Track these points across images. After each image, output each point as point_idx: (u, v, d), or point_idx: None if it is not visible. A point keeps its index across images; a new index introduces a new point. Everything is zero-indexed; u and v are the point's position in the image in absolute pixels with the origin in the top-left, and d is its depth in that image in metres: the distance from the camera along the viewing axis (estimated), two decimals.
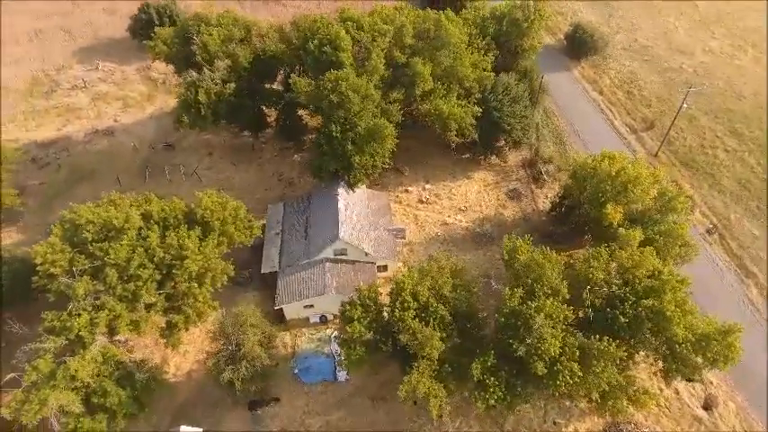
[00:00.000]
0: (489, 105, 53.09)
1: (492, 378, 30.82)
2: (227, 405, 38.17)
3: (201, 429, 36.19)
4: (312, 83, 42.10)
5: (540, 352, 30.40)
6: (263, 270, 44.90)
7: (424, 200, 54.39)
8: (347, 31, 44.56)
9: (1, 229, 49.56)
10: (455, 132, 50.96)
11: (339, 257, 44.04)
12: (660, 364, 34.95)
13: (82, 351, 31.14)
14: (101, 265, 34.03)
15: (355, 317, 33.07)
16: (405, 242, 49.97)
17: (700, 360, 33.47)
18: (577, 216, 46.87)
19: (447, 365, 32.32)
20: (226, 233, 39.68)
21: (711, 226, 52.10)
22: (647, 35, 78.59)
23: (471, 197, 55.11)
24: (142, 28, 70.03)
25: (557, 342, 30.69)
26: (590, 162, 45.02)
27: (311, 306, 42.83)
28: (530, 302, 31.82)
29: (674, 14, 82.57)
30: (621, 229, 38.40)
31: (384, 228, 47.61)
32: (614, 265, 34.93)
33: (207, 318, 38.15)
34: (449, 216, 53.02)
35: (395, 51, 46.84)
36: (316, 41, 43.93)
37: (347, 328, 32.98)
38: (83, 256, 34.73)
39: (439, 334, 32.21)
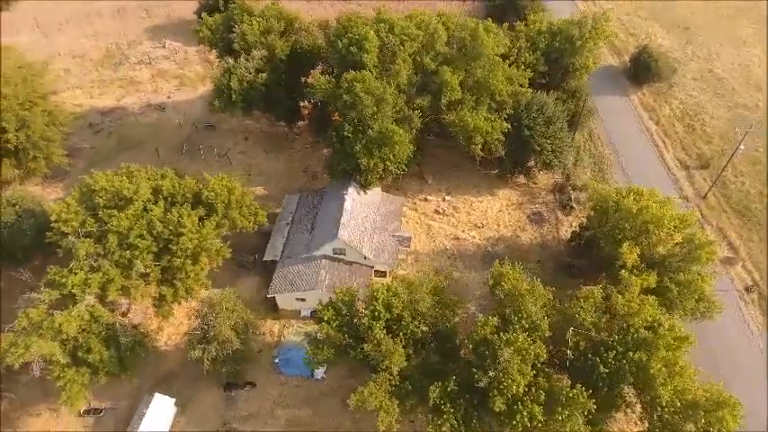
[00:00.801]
0: (521, 123, 51.02)
1: (449, 404, 29.69)
2: (205, 382, 39.52)
3: (174, 400, 37.76)
4: (332, 81, 42.42)
5: (502, 387, 28.90)
6: (266, 257, 46.00)
7: (440, 211, 53.30)
8: (377, 33, 44.41)
9: (42, 184, 54.06)
10: (480, 146, 49.46)
11: (337, 256, 44.22)
12: (645, 424, 32.12)
13: (71, 307, 33.45)
14: (105, 231, 36.32)
15: (326, 318, 33.08)
16: (411, 251, 49.26)
17: (691, 428, 30.42)
18: (596, 251, 44.01)
19: (408, 383, 31.54)
20: (228, 217, 41.00)
21: (751, 284, 47.03)
22: (725, 66, 72.05)
23: (491, 215, 53.29)
24: (206, 11, 73.67)
25: (522, 380, 29.03)
26: (614, 195, 42.04)
27: (303, 300, 43.36)
28: (502, 333, 30.30)
29: (760, 47, 75.02)
30: (624, 271, 35.54)
31: (390, 233, 47.20)
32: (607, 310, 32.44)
33: (197, 294, 39.66)
34: (462, 231, 51.62)
35: (425, 57, 46.12)
36: (345, 40, 44.20)
37: (318, 327, 33.08)
38: (92, 220, 37.28)
39: (403, 350, 31.51)
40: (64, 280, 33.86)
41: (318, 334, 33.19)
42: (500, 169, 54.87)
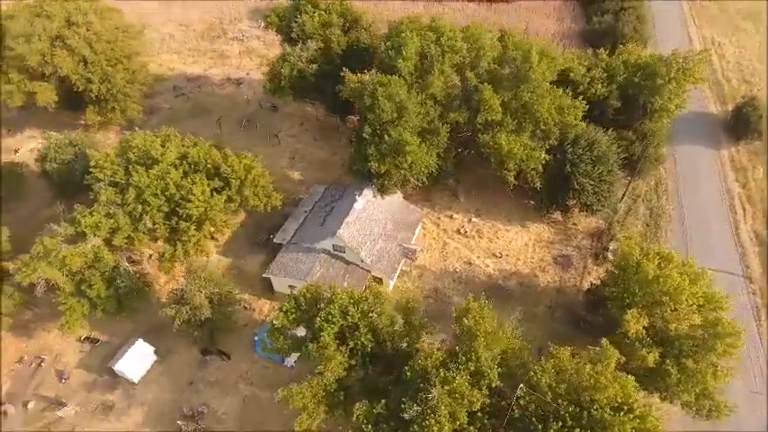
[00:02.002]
0: (565, 156, 47.40)
1: (371, 427, 28.89)
2: (187, 342, 42.07)
3: (154, 349, 40.81)
4: (361, 80, 42.56)
5: (425, 424, 27.47)
6: (276, 240, 47.64)
7: (462, 231, 51.37)
8: (423, 41, 43.65)
9: (117, 134, 60.46)
10: (513, 173, 46.85)
11: (337, 253, 44.61)
12: None
13: (80, 244, 37.50)
14: (127, 184, 40.09)
15: (284, 309, 33.69)
16: (418, 265, 48.14)
17: None
18: (604, 311, 39.86)
19: (343, 393, 31.17)
20: (241, 193, 43.11)
21: None
22: None
23: (513, 246, 50.29)
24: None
25: (449, 424, 27.37)
26: (637, 254, 37.60)
27: (294, 287, 44.35)
28: (442, 370, 28.73)
29: None
30: (605, 340, 31.66)
31: (398, 242, 46.52)
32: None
33: (198, 258, 42.33)
34: (478, 257, 49.34)
35: (467, 72, 44.50)
36: (389, 43, 44.09)
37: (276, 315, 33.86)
38: (122, 172, 41.28)
39: (346, 360, 31.15)
40: (80, 219, 38.02)
41: (274, 322, 33.89)
42: (536, 201, 51.47)
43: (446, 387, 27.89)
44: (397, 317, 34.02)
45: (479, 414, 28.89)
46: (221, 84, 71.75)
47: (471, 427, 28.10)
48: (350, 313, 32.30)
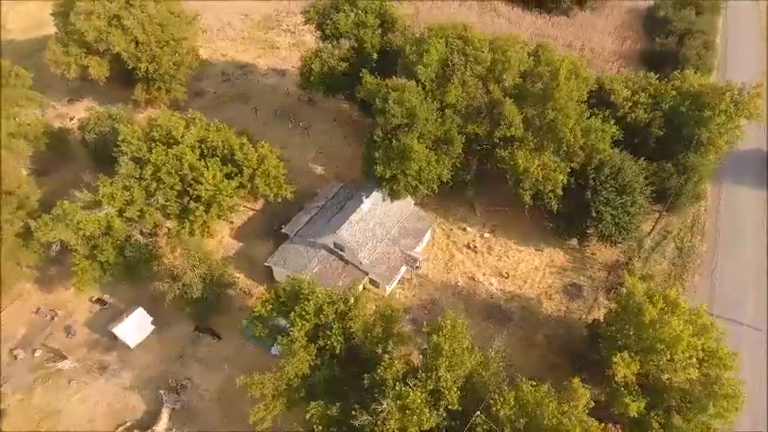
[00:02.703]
0: (587, 182, 45.07)
1: (321, 427, 28.92)
2: (184, 317, 43.76)
3: (152, 319, 42.89)
4: (378, 82, 42.44)
5: None
6: (284, 230, 48.63)
7: (472, 246, 50.13)
8: (449, 49, 42.92)
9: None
10: (529, 192, 45.14)
11: (337, 251, 44.89)
12: None
13: (95, 211, 40.08)
14: (146, 160, 42.33)
15: (264, 299, 34.36)
16: (420, 274, 47.49)
17: None
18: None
19: (304, 391, 31.38)
20: (252, 181, 44.36)
21: None
22: None
23: (523, 268, 48.46)
24: None
25: None
26: (641, 294, 35.12)
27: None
28: (398, 383, 28.25)
29: None
30: (576, 380, 29.73)
31: (401, 249, 46.12)
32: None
33: (203, 238, 43.98)
34: (483, 274, 47.97)
35: (491, 84, 43.28)
36: (414, 48, 43.73)
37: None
38: (146, 149, 43.61)
39: (310, 357, 31.35)
40: (99, 188, 40.61)
41: (254, 310, 34.66)
42: (555, 225, 49.29)
43: (399, 401, 27.38)
44: (376, 323, 33.77)
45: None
46: (266, 73, 73.96)
47: None
48: (324, 312, 32.46)
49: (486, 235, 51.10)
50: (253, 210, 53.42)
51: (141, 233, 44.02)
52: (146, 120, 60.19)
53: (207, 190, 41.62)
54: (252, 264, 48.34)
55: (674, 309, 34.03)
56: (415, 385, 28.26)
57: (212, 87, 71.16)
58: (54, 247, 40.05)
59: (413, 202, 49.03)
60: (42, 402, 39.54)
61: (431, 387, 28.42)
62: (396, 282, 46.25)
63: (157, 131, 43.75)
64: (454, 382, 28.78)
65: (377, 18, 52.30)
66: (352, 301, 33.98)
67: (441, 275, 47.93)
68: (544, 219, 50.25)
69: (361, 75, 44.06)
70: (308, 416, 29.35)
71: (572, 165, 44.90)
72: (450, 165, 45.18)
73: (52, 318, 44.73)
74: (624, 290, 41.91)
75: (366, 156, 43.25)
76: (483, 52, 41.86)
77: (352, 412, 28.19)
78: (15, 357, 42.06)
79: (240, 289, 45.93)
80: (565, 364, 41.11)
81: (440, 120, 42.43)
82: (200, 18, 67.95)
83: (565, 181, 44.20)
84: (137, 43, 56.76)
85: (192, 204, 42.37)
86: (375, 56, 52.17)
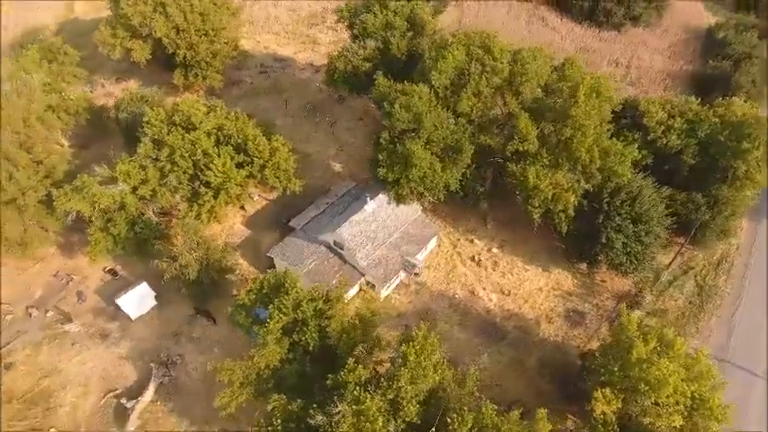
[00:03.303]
0: (601, 206, 43.07)
1: (279, 422, 29.24)
2: (186, 298, 45.26)
3: (155, 295, 44.74)
4: (391, 85, 42.19)
5: None
6: (291, 223, 49.44)
7: (477, 260, 49.06)
8: (468, 55, 42.15)
9: (197, 97, 66.19)
10: (539, 211, 43.68)
11: (336, 249, 45.16)
12: None
13: (110, 187, 42.28)
14: (164, 142, 44.16)
15: (248, 289, 35.08)
16: (418, 280, 47.00)
17: None
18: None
19: (273, 382, 31.82)
20: (261, 172, 45.37)
21: None
22: None
23: (526, 288, 46.97)
24: None
25: None
26: (634, 330, 33.19)
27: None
28: (358, 389, 28.08)
29: None
30: (541, 411, 28.38)
31: (402, 254, 45.79)
32: None
33: (208, 223, 45.40)
34: (483, 288, 46.87)
35: (508, 96, 42.15)
36: (433, 53, 43.24)
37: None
38: (166, 132, 45.50)
39: (282, 351, 31.74)
40: (117, 166, 42.79)
41: (238, 299, 35.48)
42: (564, 246, 47.45)
43: (354, 406, 27.26)
44: (355, 325, 33.75)
45: None
46: (303, 68, 75.27)
47: None
48: (302, 308, 32.77)
49: (494, 250, 49.87)
50: (267, 200, 54.62)
51: (154, 212, 45.97)
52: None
53: (216, 176, 42.94)
54: (257, 252, 49.44)
55: (669, 349, 31.98)
56: (374, 392, 28.01)
57: (250, 77, 73.19)
58: (70, 216, 42.48)
59: (419, 208, 48.57)
60: (46, 360, 42.15)
61: (390, 396, 28.09)
62: (393, 286, 46.02)
63: (178, 116, 45.52)
64: (415, 395, 28.32)
65: (406, 21, 52.01)
66: (334, 300, 34.08)
67: (440, 285, 47.23)
68: (555, 239, 48.49)
69: (375, 76, 43.97)
70: (269, 407, 29.77)
71: (586, 186, 42.98)
72: (460, 174, 44.41)
73: (68, 282, 47.55)
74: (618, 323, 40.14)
75: (373, 158, 43.20)
76: (501, 63, 40.76)
77: (310, 410, 28.32)
78: (30, 315, 45.04)
79: (241, 275, 47.07)
80: (553, 392, 39.61)
81: (450, 128, 41.72)
82: (242, 10, 70.13)
83: (576, 202, 42.42)
84: (178, 30, 59.24)
85: (202, 189, 43.85)
86: (401, 59, 52.01)
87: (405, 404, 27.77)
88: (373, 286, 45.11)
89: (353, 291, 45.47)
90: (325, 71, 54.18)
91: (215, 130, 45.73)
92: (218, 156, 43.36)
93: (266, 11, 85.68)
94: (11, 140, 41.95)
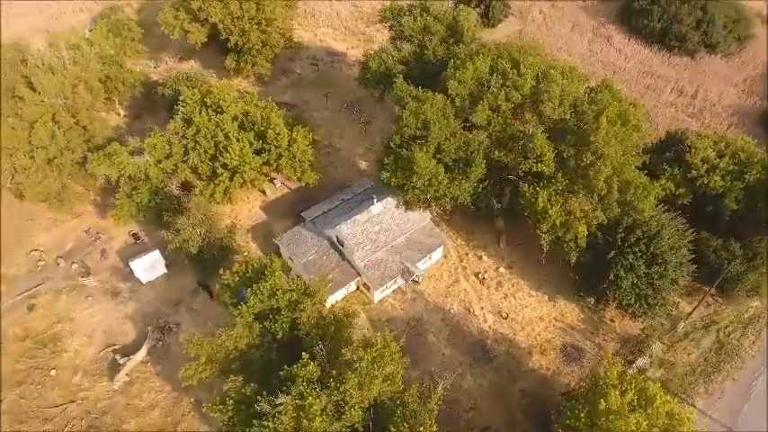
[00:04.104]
0: (615, 240, 40.43)
1: (231, 403, 30.11)
2: (193, 269, 47.57)
3: (165, 263, 47.36)
4: (410, 90, 41.74)
5: (264, 424, 27.72)
6: (303, 214, 50.39)
7: (481, 277, 47.68)
8: (493, 67, 41.00)
9: (246, 82, 69.11)
10: (548, 236, 41.76)
11: (338, 246, 45.59)
12: None
13: (136, 157, 45.27)
14: (191, 121, 46.59)
15: (234, 270, 36.32)
16: (416, 288, 46.44)
17: None
18: None
19: (239, 363, 32.80)
20: (278, 161, 46.72)
21: None
22: None
23: (527, 314, 45.09)
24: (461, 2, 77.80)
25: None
26: (612, 376, 30.91)
27: (292, 260, 46.89)
28: (305, 383, 28.32)
29: None
30: None
31: (403, 260, 45.42)
32: None
33: (220, 201, 47.39)
34: (482, 308, 45.52)
35: (527, 113, 40.53)
36: (457, 62, 42.41)
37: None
38: (197, 111, 47.92)
39: (252, 336, 32.63)
40: (145, 138, 45.72)
41: (223, 279, 36.83)
42: (574, 275, 45.03)
43: (297, 401, 27.56)
44: (329, 322, 34.04)
45: None
46: (353, 64, 76.19)
47: None
48: (277, 296, 33.50)
49: (502, 269, 48.24)
50: (288, 188, 56.10)
51: (176, 186, 48.64)
52: (228, 84, 66.24)
53: (233, 159, 44.73)
54: (267, 237, 50.89)
55: (648, 405, 29.55)
56: (322, 391, 28.13)
57: (300, 69, 75.24)
58: (102, 179, 45.94)
59: (428, 216, 47.90)
60: (62, 308, 45.91)
61: (336, 398, 28.10)
62: (388, 290, 45.77)
63: (210, 98, 47.80)
64: (361, 401, 28.14)
65: (447, 28, 51.30)
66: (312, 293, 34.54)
67: (438, 297, 46.41)
68: (568, 268, 46.02)
69: (394, 80, 43.82)
70: (225, 387, 30.76)
71: (601, 218, 40.47)
72: (471, 188, 43.33)
73: (96, 239, 51.43)
74: (642, 370, 37.77)
75: (381, 159, 43.17)
76: (525, 79, 39.22)
77: (258, 397, 28.97)
78: (58, 264, 49.21)
79: (248, 257, 48.70)
80: (528, 425, 37.89)
81: (463, 139, 40.79)
82: (300, 4, 72.16)
83: (585, 232, 40.07)
84: (233, 17, 62.02)
85: (220, 170, 45.83)
86: (437, 64, 51.33)
87: (348, 408, 27.68)
88: (368, 287, 45.11)
89: (351, 289, 45.80)
90: (360, 69, 54.59)
91: (241, 115, 47.58)
92: (238, 140, 45.07)
93: (330, 5, 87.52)
94: (60, 104, 45.92)
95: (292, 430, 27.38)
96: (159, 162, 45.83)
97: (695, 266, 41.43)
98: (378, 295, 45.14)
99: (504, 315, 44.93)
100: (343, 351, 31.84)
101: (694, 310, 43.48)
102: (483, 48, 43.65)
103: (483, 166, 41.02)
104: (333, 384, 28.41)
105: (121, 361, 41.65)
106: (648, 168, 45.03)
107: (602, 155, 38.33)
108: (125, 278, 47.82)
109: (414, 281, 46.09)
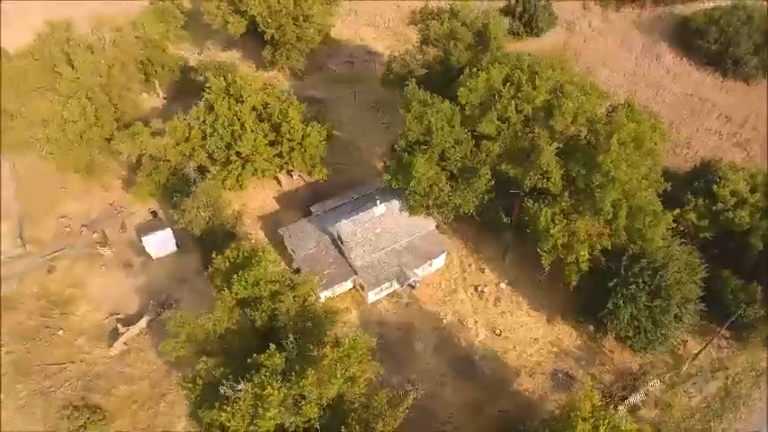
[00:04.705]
0: (618, 268, 38.54)
1: (201, 383, 31.02)
2: (201, 250, 49.32)
3: (176, 242, 49.30)
4: (417, 95, 41.29)
5: (223, 408, 28.42)
6: (312, 208, 51.09)
7: (479, 291, 46.70)
8: (509, 78, 40.03)
9: (280, 74, 70.80)
10: (550, 256, 40.42)
11: (338, 243, 45.92)
12: None
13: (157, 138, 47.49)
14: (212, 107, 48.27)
15: (225, 255, 37.34)
16: (411, 293, 46.07)
17: None
18: None
19: (216, 345, 33.73)
20: (289, 154, 47.65)
21: None
22: None
23: (521, 334, 43.82)
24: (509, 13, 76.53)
25: (241, 421, 27.80)
26: (585, 411, 29.48)
27: (293, 252, 47.64)
28: (267, 373, 28.78)
29: None
30: None
31: (401, 264, 45.15)
32: None
33: (230, 188, 48.85)
34: (475, 321, 44.63)
35: (538, 128, 39.24)
36: (473, 69, 41.67)
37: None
38: (221, 99, 49.53)
39: (232, 321, 33.50)
40: (169, 121, 47.80)
41: (215, 262, 37.93)
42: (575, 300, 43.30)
43: (257, 390, 28.06)
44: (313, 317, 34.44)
45: None
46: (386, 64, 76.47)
47: None
48: (260, 286, 34.20)
49: (503, 285, 47.06)
50: (305, 181, 57.01)
51: (194, 169, 50.50)
52: (266, 77, 68.17)
53: (246, 148, 45.99)
54: (276, 227, 51.78)
55: None
56: (282, 383, 28.49)
57: (335, 65, 76.17)
58: (126, 155, 48.45)
59: (434, 223, 47.37)
60: (78, 273, 48.73)
61: (295, 392, 28.38)
62: (383, 293, 45.64)
63: (233, 88, 49.33)
64: (319, 397, 28.29)
65: (474, 34, 50.47)
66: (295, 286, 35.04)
67: (433, 305, 45.87)
68: (568, 290, 44.27)
69: (407, 83, 43.57)
70: (197, 367, 31.74)
71: (605, 243, 38.69)
72: (476, 198, 42.50)
73: (118, 212, 54.22)
74: (634, 409, 36.16)
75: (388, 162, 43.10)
76: (538, 92, 38.01)
77: (223, 381, 29.71)
78: (81, 232, 52.29)
79: (253, 242, 49.89)
80: None
81: (469, 148, 40.08)
82: (343, 2, 73.11)
83: (587, 256, 38.42)
84: (271, 11, 63.64)
85: (234, 157, 47.26)
86: (460, 70, 50.68)
87: (305, 404, 27.91)
88: (361, 287, 45.18)
89: (347, 286, 46.05)
90: (384, 71, 54.66)
91: (261, 107, 48.81)
92: (252, 131, 46.28)
93: (375, 5, 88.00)
94: (95, 82, 48.74)
95: (249, 417, 27.86)
96: (178, 144, 47.77)
97: (704, 305, 38.83)
98: (372, 296, 45.13)
99: (497, 332, 43.81)
100: (310, 347, 32.02)
101: (701, 351, 40.76)
102: (505, 57, 42.52)
103: (488, 177, 40.14)
104: (294, 378, 28.70)
105: (121, 330, 43.76)
106: (673, 196, 42.80)
107: (613, 178, 36.56)
108: (138, 252, 50.14)
109: (410, 286, 45.74)
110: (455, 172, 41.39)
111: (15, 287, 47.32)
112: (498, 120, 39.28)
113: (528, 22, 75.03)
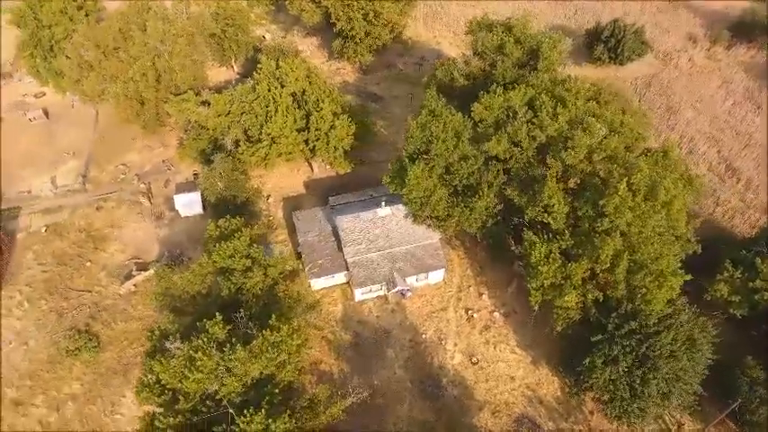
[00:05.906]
0: (607, 323, 35.08)
1: (158, 336, 33.45)
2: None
3: (203, 204, 52.98)
4: (434, 104, 40.20)
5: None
6: (330, 198, 52.17)
7: (471, 315, 44.89)
8: (530, 102, 37.92)
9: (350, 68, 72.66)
10: (539, 294, 37.91)
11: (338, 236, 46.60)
12: None
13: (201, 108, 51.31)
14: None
15: (217, 223, 39.65)
16: (400, 302, 45.53)
17: None
18: None
19: (188, 305, 36.16)
20: (314, 142, 49.18)
21: None
22: None
23: (499, 370, 41.57)
24: (591, 40, 71.97)
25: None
26: None
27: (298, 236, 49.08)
28: (208, 343, 30.33)
29: None
30: None
31: (398, 271, 44.69)
32: None
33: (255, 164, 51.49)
34: (455, 344, 43.08)
35: (551, 158, 36.67)
36: (497, 88, 39.94)
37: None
38: (265, 80, 52.24)
39: (201, 285, 35.70)
40: (215, 95, 51.48)
41: (208, 228, 40.40)
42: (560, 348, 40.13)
43: (191, 352, 29.77)
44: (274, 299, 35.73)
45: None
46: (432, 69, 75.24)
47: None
48: (235, 258, 36.01)
49: (496, 314, 44.84)
50: (337, 173, 58.30)
51: (231, 140, 53.91)
52: (321, 67, 70.54)
53: (274, 129, 48.22)
54: (295, 209, 53.82)
55: None
56: (217, 350, 29.91)
57: (404, 65, 76.52)
58: (172, 118, 53.07)
59: (438, 236, 46.22)
60: (118, 216, 54.35)
61: (225, 365, 29.64)
62: (372, 294, 45.55)
63: (279, 71, 51.80)
64: (243, 373, 29.31)
65: (526, 52, 48.17)
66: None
67: (417, 317, 45.00)
68: (559, 335, 41.12)
69: (426, 90, 42.74)
70: (161, 322, 34.29)
71: (597, 294, 35.40)
72: (479, 219, 40.90)
73: (168, 169, 59.54)
74: None
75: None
76: (557, 120, 35.56)
77: (170, 336, 31.84)
78: (132, 181, 58.23)
79: (272, 221, 52.37)
80: None
81: (475, 166, 38.63)
82: (430, 3, 73.21)
83: (574, 302, 35.43)
84: (344, 5, 65.54)
85: (264, 136, 49.77)
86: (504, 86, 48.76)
87: (227, 377, 29.10)
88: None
89: (340, 280, 46.65)
90: (428, 77, 54.02)
91: (299, 93, 50.79)
92: (284, 114, 48.36)
93: (461, 9, 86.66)
94: (162, 49, 53.77)
95: (180, 376, 29.64)
96: (219, 116, 51.25)
97: (703, 389, 34.04)
98: (359, 295, 45.29)
99: (473, 359, 41.92)
100: (253, 325, 32.87)
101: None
102: (548, 81, 40.26)
103: (491, 199, 38.43)
104: (227, 350, 30.01)
105: (134, 273, 48.26)
106: (708, 261, 38.17)
107: (617, 226, 33.35)
108: (171, 208, 54.64)
109: (401, 293, 45.22)
110: (460, 188, 40.09)
111: (66, 217, 53.98)
112: (511, 143, 37.38)
113: (614, 47, 69.71)
